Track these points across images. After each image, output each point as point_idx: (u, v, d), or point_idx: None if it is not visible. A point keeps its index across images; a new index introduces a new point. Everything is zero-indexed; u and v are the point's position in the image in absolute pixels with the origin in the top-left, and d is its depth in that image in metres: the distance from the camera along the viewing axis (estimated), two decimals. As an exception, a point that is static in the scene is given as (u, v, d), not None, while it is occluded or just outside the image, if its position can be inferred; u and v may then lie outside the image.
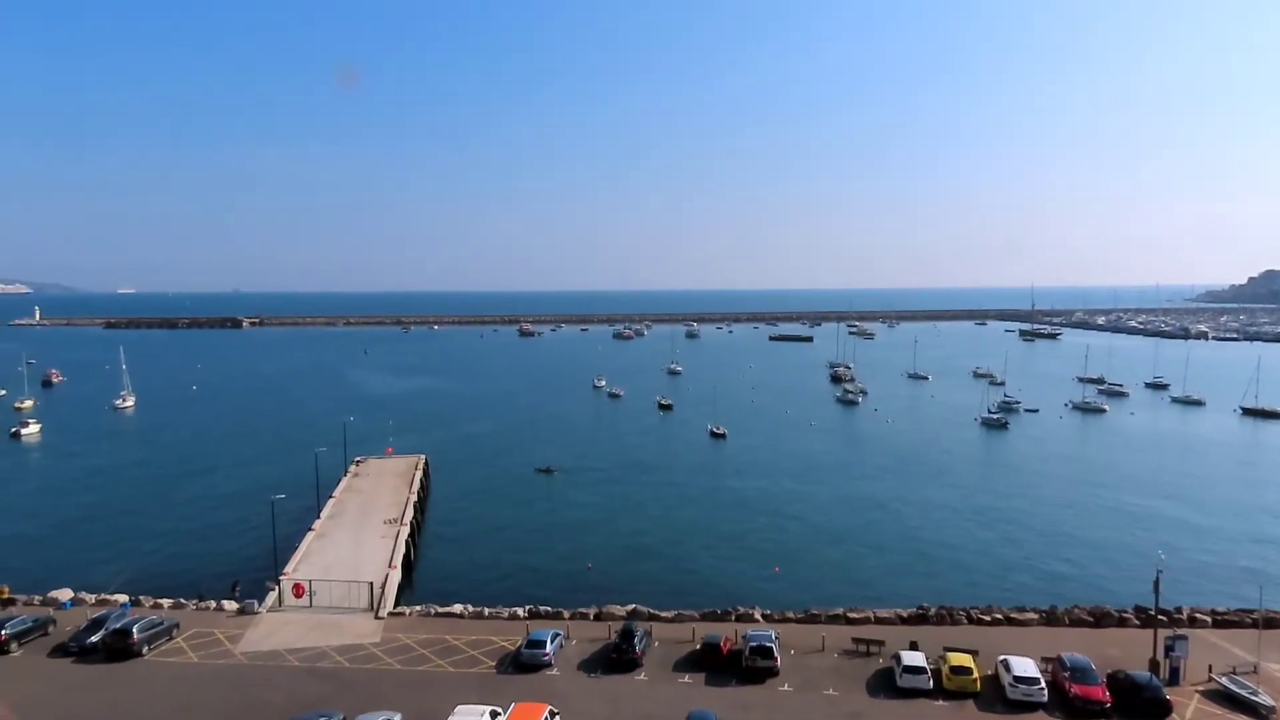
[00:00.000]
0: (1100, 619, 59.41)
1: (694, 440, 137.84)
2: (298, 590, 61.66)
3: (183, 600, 63.50)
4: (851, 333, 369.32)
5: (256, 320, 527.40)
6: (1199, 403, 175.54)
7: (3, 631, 53.90)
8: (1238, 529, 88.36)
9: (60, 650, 54.12)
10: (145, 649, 53.62)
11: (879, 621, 59.34)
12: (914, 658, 50.03)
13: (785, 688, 49.24)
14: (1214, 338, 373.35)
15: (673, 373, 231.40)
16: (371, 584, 62.53)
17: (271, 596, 62.30)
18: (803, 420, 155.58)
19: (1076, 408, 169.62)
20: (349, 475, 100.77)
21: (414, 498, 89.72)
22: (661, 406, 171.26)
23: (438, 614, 60.67)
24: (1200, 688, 48.76)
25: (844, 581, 72.68)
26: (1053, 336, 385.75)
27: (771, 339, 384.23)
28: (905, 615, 60.20)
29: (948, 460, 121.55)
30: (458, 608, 61.54)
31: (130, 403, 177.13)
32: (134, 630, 53.49)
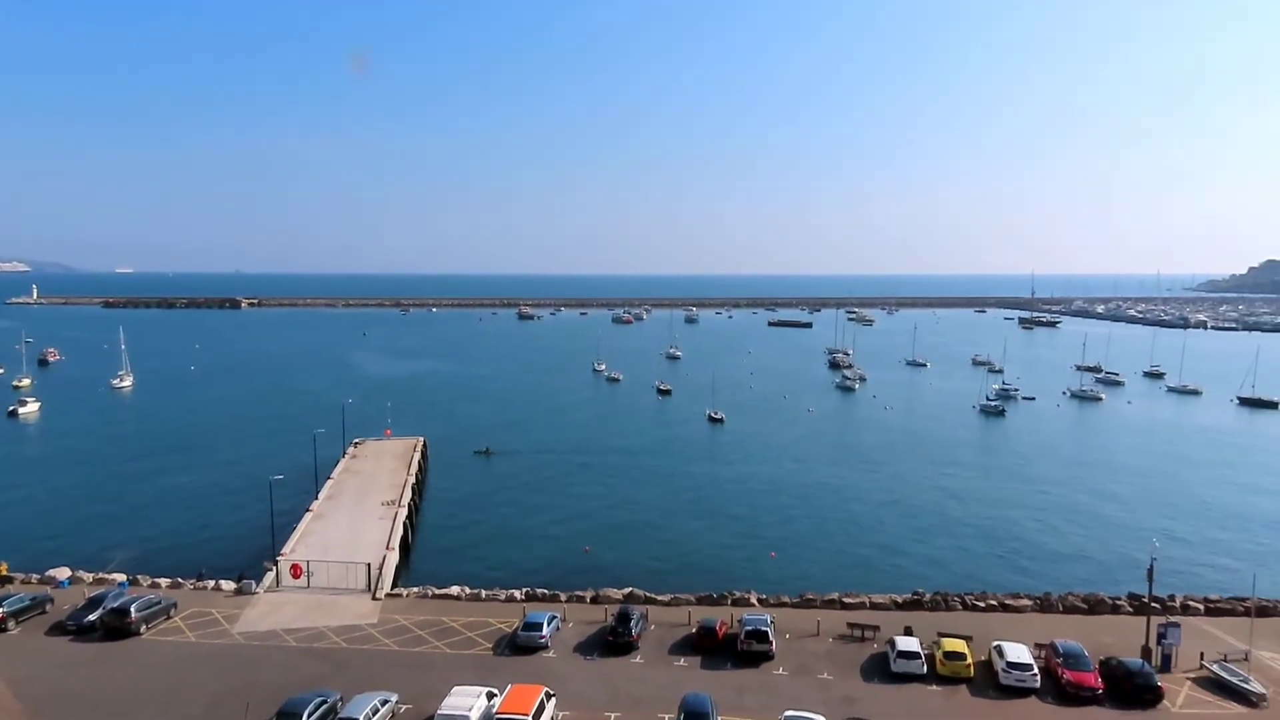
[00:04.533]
0: (1094, 606, 59.74)
1: (692, 425, 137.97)
2: (295, 571, 61.84)
3: (180, 580, 63.61)
4: (851, 319, 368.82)
5: (255, 301, 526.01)
6: (1196, 392, 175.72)
7: (0, 609, 54.08)
8: (1232, 518, 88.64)
9: (57, 629, 54.27)
10: (143, 628, 53.78)
11: (874, 607, 59.62)
12: (908, 643, 50.31)
13: (780, 671, 49.52)
14: (1213, 327, 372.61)
15: (672, 357, 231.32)
16: (369, 565, 62.66)
17: (269, 577, 62.46)
18: (801, 406, 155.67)
19: (1074, 396, 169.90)
20: (347, 457, 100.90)
21: (412, 480, 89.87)
22: (660, 391, 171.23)
23: (435, 596, 60.87)
24: (1192, 675, 49.07)
25: (840, 567, 72.94)
26: (1052, 324, 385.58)
27: (770, 325, 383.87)
28: (900, 601, 60.48)
29: (945, 447, 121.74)
30: (455, 589, 61.73)
31: (128, 382, 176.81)
32: (131, 609, 53.57)
